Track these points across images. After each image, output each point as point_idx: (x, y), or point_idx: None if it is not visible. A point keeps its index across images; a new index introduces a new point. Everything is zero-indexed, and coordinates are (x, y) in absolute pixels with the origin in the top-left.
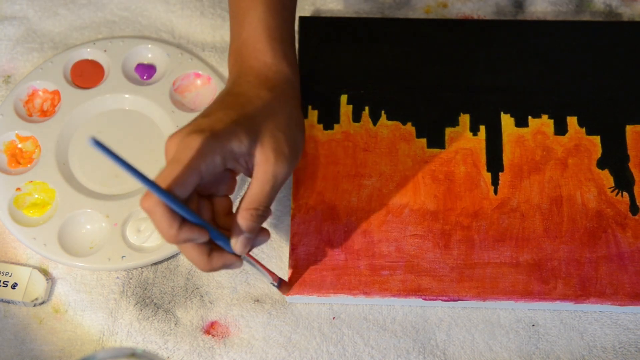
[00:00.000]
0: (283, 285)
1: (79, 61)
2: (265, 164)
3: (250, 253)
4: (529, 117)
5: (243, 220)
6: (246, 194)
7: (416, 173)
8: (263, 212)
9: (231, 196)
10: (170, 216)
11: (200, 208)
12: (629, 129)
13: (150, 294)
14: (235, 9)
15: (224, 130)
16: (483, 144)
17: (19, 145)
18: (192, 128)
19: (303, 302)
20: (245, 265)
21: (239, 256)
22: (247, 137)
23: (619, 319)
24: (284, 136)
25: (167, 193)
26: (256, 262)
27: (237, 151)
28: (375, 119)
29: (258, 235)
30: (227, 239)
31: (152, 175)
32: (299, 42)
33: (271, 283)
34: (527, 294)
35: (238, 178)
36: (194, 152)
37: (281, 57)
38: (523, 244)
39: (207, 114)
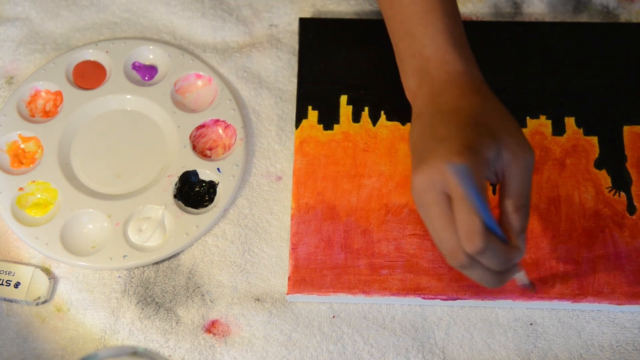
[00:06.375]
0: (533, 286)
1: (81, 62)
2: (517, 159)
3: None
4: (527, 118)
5: (518, 219)
6: (508, 195)
7: None
8: (528, 206)
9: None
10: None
11: None
12: (626, 129)
13: (151, 293)
14: (402, 28)
15: (474, 143)
16: None
17: (22, 146)
18: (442, 158)
19: (303, 301)
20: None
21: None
22: (493, 142)
23: (616, 317)
24: (514, 127)
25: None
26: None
27: (491, 159)
28: (374, 119)
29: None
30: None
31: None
32: (299, 43)
33: (523, 284)
34: (525, 293)
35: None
36: (468, 175)
37: (468, 59)
38: None
39: (442, 138)
